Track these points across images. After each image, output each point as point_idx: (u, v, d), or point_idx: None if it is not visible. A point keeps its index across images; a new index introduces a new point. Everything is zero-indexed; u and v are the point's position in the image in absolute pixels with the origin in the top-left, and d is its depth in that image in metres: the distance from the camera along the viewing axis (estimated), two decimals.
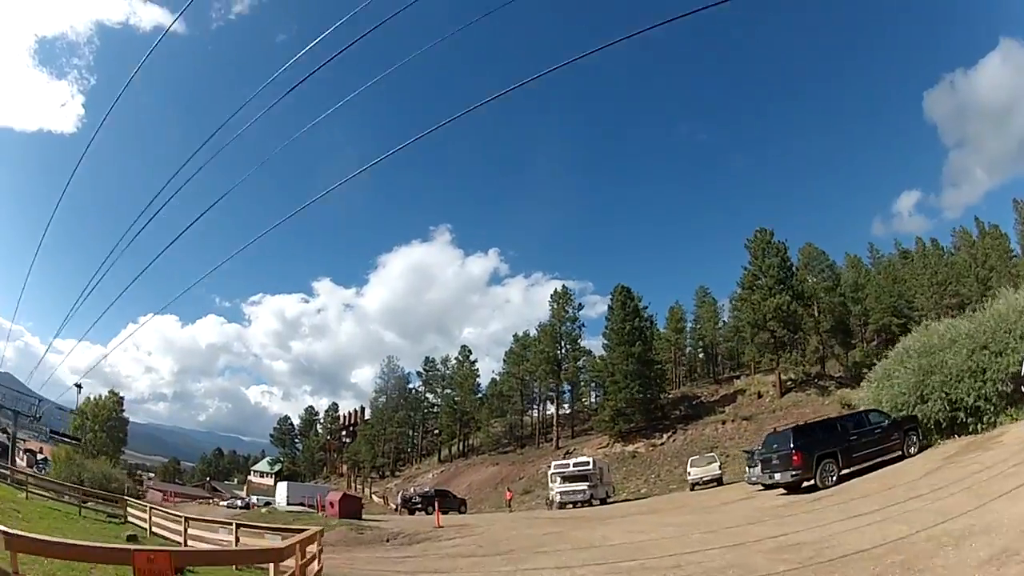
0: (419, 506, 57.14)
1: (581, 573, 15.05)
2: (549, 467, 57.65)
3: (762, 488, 31.28)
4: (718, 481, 47.98)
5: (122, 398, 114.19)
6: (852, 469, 26.33)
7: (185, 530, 22.26)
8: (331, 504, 43.14)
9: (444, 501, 56.40)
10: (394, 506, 67.30)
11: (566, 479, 51.03)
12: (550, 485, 54.29)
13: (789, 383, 76.62)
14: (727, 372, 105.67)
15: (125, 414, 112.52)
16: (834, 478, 25.82)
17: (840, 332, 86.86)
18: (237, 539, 18.00)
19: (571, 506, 48.35)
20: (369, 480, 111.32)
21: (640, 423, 78.94)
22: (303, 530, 16.11)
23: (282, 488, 72.06)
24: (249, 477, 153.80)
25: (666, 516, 27.45)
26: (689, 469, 51.14)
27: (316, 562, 14.96)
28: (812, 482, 25.84)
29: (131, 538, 23.75)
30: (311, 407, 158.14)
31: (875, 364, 37.57)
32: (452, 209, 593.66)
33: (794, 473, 26.19)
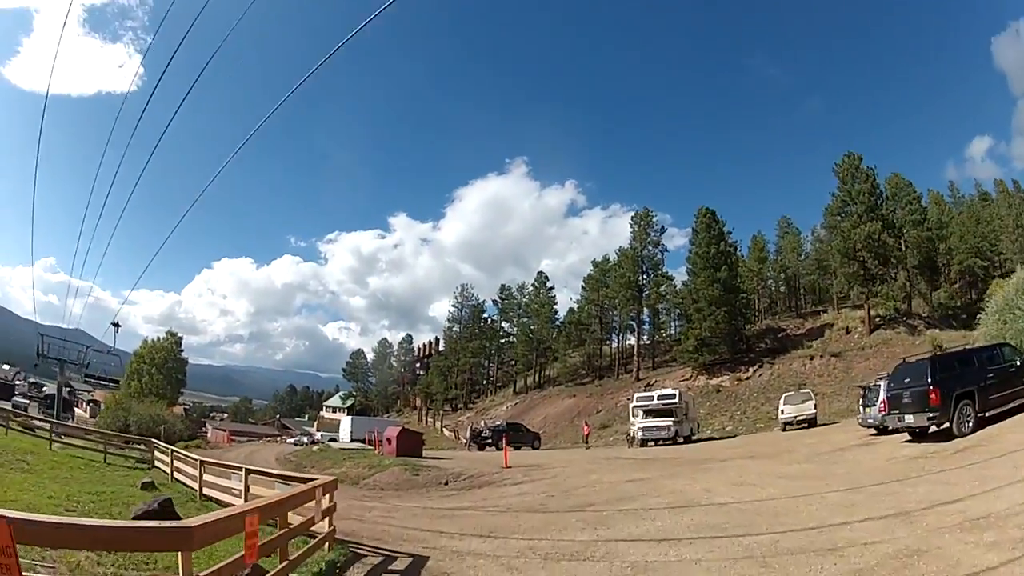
0: (489, 441, 53.96)
1: (692, 552, 10.52)
2: (631, 400, 53.30)
3: (875, 432, 27.38)
4: (810, 422, 43.27)
5: (180, 338, 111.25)
6: (987, 414, 21.30)
7: (200, 475, 19.45)
8: (388, 440, 39.79)
9: (516, 436, 54.06)
10: (464, 441, 63.98)
11: (649, 413, 46.75)
12: (631, 419, 50.48)
13: (877, 319, 70.80)
14: (809, 306, 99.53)
15: (185, 354, 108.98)
16: (970, 424, 20.89)
17: (927, 269, 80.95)
18: (246, 487, 15.06)
19: (652, 443, 44.28)
20: (441, 413, 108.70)
21: (724, 355, 74.71)
22: (311, 479, 12.73)
23: (346, 423, 69.37)
24: (321, 413, 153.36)
25: (774, 464, 22.60)
26: (781, 406, 45.78)
27: (326, 522, 11.79)
28: (946, 427, 21.06)
29: (146, 485, 20.86)
30: (385, 339, 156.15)
31: (959, 304, 32.72)
32: (528, 141, 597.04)
33: (931, 415, 21.19)
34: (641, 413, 47.44)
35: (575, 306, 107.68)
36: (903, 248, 74.67)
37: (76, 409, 71.44)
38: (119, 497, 17.79)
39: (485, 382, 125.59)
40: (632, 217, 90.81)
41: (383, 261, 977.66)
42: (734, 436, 49.65)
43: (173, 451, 25.81)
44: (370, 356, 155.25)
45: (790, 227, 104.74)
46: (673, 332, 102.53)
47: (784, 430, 43.87)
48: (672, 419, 45.25)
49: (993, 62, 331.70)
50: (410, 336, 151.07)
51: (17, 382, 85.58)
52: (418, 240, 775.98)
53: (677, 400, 47.20)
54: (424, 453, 40.29)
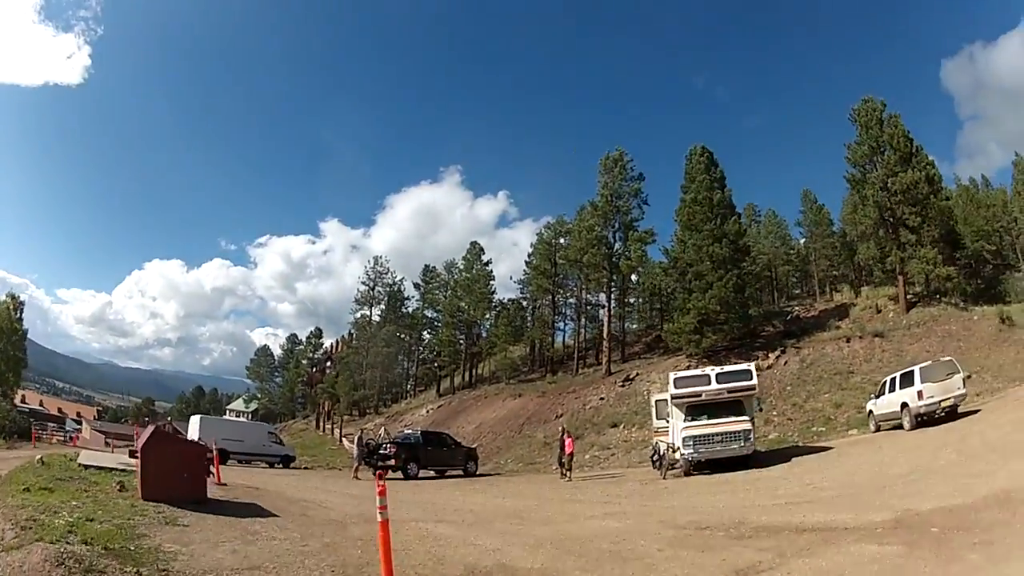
0: (391, 463, 32.20)
1: None
2: (668, 383, 28.27)
3: None
4: (951, 410, 25.80)
5: (22, 302, 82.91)
6: None
7: None
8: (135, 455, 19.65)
9: (438, 452, 34.50)
10: (353, 459, 39.96)
11: (697, 411, 25.87)
12: (656, 423, 29.77)
13: (911, 297, 53.49)
14: (797, 297, 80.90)
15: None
16: None
17: (947, 244, 60.60)
18: None
19: (696, 471, 24.78)
20: (342, 419, 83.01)
21: (732, 338, 53.78)
22: None
23: (194, 425, 46.32)
24: (224, 417, 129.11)
25: None
26: (919, 385, 26.20)
27: None
28: None
29: None
30: (294, 335, 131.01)
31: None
32: (463, 150, 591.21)
33: None
34: (682, 411, 26.19)
35: (517, 286, 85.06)
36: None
37: None
38: None
39: (407, 385, 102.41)
40: (600, 161, 66.18)
41: (312, 267, 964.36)
42: (821, 448, 28.12)
43: None
44: (278, 354, 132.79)
45: (757, 213, 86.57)
46: (638, 318, 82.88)
47: (915, 426, 25.90)
48: (745, 419, 24.99)
49: (940, 85, 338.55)
50: (319, 330, 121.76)
51: None
52: (348, 246, 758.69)
53: (753, 382, 26.35)
54: (254, 482, 22.22)
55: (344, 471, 38.83)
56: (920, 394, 25.93)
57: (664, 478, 25.16)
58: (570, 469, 29.62)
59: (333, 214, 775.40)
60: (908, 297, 52.95)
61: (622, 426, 44.72)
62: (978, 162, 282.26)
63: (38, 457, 24.84)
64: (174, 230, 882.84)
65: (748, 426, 24.44)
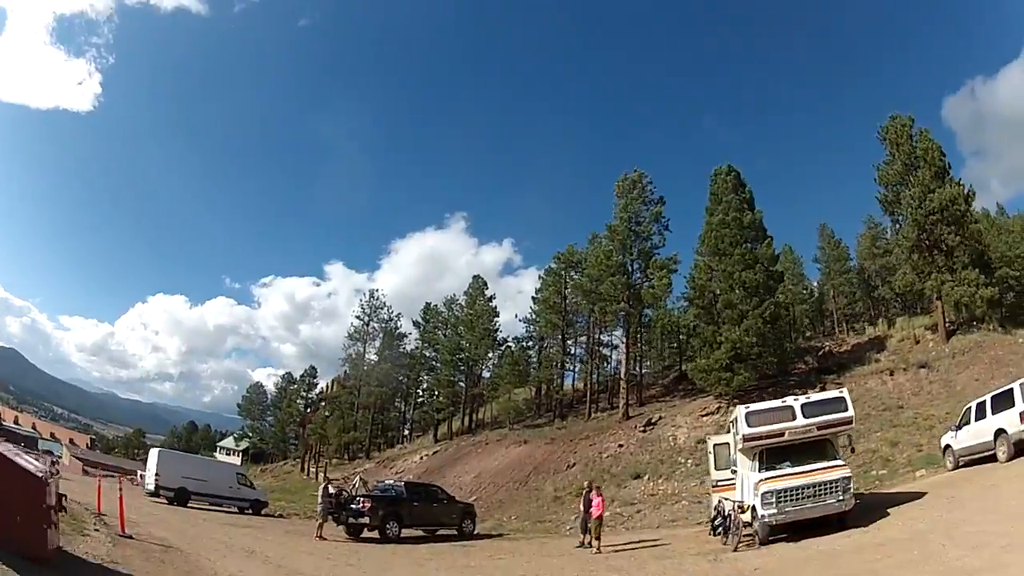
0: (366, 519, 26.18)
1: None
2: (737, 420, 21.06)
3: None
4: None
5: None
6: None
7: None
8: None
9: (426, 508, 28.47)
10: (318, 511, 31.72)
11: (778, 455, 19.47)
12: (716, 474, 23.57)
13: (949, 325, 49.00)
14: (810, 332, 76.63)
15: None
16: None
17: (979, 267, 55.29)
18: None
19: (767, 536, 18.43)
20: (329, 463, 77.08)
21: (764, 376, 48.74)
22: None
23: (152, 459, 41.28)
24: (214, 454, 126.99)
25: None
26: (1020, 406, 20.59)
27: None
28: None
29: None
30: (289, 373, 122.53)
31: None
32: (469, 197, 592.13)
33: None
34: (752, 458, 19.84)
35: (524, 324, 76.45)
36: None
37: None
38: None
39: (403, 429, 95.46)
40: (617, 185, 60.40)
41: (316, 309, 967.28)
42: (908, 495, 21.50)
43: None
44: (272, 392, 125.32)
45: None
46: (654, 357, 76.69)
47: (1015, 455, 20.77)
48: (840, 464, 19.02)
49: (941, 123, 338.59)
50: (314, 368, 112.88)
51: None
52: (353, 290, 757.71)
53: (850, 413, 20.15)
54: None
55: (305, 522, 36.28)
56: (1023, 416, 20.63)
57: (736, 550, 18.46)
58: (598, 538, 22.67)
59: (338, 257, 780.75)
60: (946, 325, 49.00)
61: (646, 477, 39.38)
62: (982, 198, 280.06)
63: None
64: (179, 265, 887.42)
65: (847, 472, 18.23)
